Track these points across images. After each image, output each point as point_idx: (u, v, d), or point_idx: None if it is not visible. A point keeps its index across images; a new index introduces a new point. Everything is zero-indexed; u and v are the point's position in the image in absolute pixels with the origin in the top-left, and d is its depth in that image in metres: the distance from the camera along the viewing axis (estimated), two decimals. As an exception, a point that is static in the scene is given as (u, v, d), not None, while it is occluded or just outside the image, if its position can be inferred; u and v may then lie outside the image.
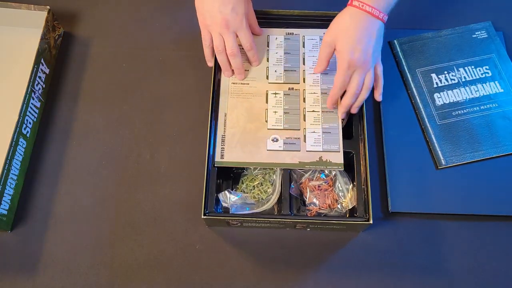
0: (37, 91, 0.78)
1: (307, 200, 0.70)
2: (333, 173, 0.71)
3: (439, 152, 0.75)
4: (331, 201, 0.70)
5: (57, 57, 0.85)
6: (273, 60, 0.77)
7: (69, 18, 0.89)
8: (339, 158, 0.70)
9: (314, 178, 0.71)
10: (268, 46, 0.79)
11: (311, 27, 0.80)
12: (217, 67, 0.76)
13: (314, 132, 0.72)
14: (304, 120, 0.73)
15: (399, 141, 0.77)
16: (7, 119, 0.73)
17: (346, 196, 0.70)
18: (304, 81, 0.76)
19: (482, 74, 0.79)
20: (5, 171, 0.70)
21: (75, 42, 0.87)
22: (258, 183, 0.71)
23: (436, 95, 0.78)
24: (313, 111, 0.74)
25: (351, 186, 0.70)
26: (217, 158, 0.70)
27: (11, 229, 0.73)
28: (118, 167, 0.77)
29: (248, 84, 0.75)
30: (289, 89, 0.75)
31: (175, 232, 0.72)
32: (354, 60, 0.65)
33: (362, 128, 0.72)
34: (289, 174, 0.70)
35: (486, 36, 0.83)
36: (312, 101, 0.74)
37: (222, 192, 0.70)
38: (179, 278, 0.70)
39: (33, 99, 0.77)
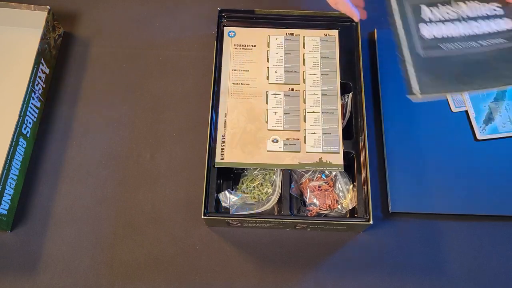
0: (37, 91, 0.78)
1: (307, 200, 0.70)
2: (333, 174, 0.71)
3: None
4: (331, 202, 0.70)
5: (57, 57, 0.85)
6: (274, 61, 0.77)
7: (69, 18, 0.89)
8: (339, 160, 0.70)
9: (314, 179, 0.71)
10: (268, 46, 0.79)
11: (311, 27, 0.81)
12: (218, 68, 0.76)
13: (314, 133, 0.72)
14: (304, 121, 0.73)
15: (399, 141, 0.77)
16: (7, 119, 0.73)
17: (346, 197, 0.70)
18: (304, 82, 0.76)
19: (488, 10, 0.67)
20: (5, 171, 0.70)
21: (75, 42, 0.87)
22: (258, 184, 0.71)
23: (422, 25, 0.66)
24: (313, 112, 0.74)
25: (351, 186, 0.70)
26: (217, 159, 0.70)
27: (11, 229, 0.73)
28: (118, 167, 0.77)
29: (248, 84, 0.76)
30: (289, 90, 0.75)
31: (175, 232, 0.72)
32: None
33: (362, 128, 0.72)
34: (289, 174, 0.70)
35: None
36: (312, 102, 0.74)
37: (222, 193, 0.70)
38: (179, 278, 0.70)
39: (33, 99, 0.77)
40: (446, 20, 0.67)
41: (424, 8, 0.67)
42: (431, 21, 0.66)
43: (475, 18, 0.67)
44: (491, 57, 0.64)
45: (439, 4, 0.67)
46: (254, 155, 0.70)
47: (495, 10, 0.67)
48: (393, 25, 0.67)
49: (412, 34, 0.66)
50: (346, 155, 0.71)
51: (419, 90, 0.61)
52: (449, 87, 0.63)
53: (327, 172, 0.71)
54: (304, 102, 0.75)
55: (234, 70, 0.77)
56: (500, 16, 0.67)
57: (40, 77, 0.79)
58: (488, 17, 0.67)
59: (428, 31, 0.66)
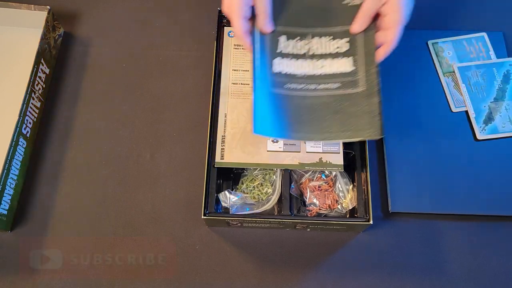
0: (37, 91, 0.78)
1: (307, 200, 0.70)
2: (333, 174, 0.71)
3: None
4: (331, 202, 0.70)
5: (57, 57, 0.85)
6: (273, 60, 0.78)
7: (69, 18, 0.89)
8: (339, 160, 0.70)
9: (314, 179, 0.71)
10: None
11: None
12: (218, 68, 0.76)
13: (314, 132, 0.72)
14: (304, 121, 0.73)
15: (399, 141, 0.77)
16: (7, 119, 0.73)
17: (346, 197, 0.70)
18: (304, 82, 0.76)
19: (337, 48, 0.67)
20: (5, 171, 0.70)
21: (75, 42, 0.87)
22: (258, 184, 0.71)
23: (276, 60, 0.67)
24: (313, 111, 0.74)
25: (351, 186, 0.70)
26: (217, 159, 0.70)
27: (11, 229, 0.73)
28: (118, 167, 0.77)
29: (248, 84, 0.75)
30: (289, 89, 0.75)
31: (175, 232, 0.72)
32: None
33: (362, 128, 0.72)
34: (289, 174, 0.70)
35: (359, 3, 0.66)
36: (312, 101, 0.74)
37: (222, 192, 0.70)
38: (179, 278, 0.70)
39: (33, 99, 0.77)
40: (297, 56, 0.66)
41: (282, 41, 0.67)
42: (285, 56, 0.66)
43: (322, 56, 0.66)
44: (322, 104, 0.64)
45: (296, 38, 0.67)
46: (254, 155, 0.70)
47: (342, 46, 0.67)
48: (252, 56, 0.66)
49: (265, 67, 0.66)
50: (346, 155, 0.71)
51: (256, 129, 0.62)
52: (281, 131, 0.63)
53: (327, 172, 0.71)
54: (304, 102, 0.75)
55: (234, 70, 0.76)
56: (345, 54, 0.66)
57: (40, 77, 0.79)
58: (334, 55, 0.66)
59: (279, 67, 0.66)
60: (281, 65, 0.66)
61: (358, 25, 0.65)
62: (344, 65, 0.66)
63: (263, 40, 0.67)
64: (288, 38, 0.68)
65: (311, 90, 0.65)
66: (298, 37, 0.68)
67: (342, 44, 0.67)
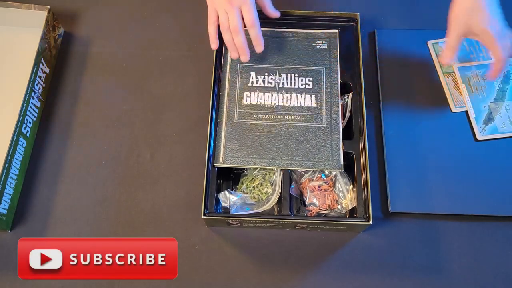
0: (37, 91, 0.78)
1: (307, 200, 0.70)
2: (333, 174, 0.71)
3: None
4: (331, 202, 0.70)
5: (57, 57, 0.85)
6: (273, 61, 0.78)
7: (69, 18, 0.89)
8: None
9: (314, 179, 0.71)
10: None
11: (311, 27, 0.80)
12: (218, 68, 0.76)
13: (314, 132, 0.73)
14: (304, 121, 0.74)
15: (399, 141, 0.77)
16: (7, 119, 0.73)
17: (346, 197, 0.70)
18: (303, 82, 0.77)
19: (302, 85, 0.74)
20: (5, 171, 0.70)
21: (75, 42, 0.87)
22: (258, 184, 0.71)
23: (246, 93, 0.74)
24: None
25: (351, 186, 0.70)
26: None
27: (11, 229, 0.73)
28: (118, 167, 0.77)
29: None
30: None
31: (175, 232, 0.72)
32: (499, 32, 0.68)
33: (362, 128, 0.72)
34: (289, 175, 0.70)
35: (326, 47, 0.77)
36: (312, 101, 0.75)
37: (222, 192, 0.70)
38: (179, 278, 0.69)
39: (33, 98, 0.77)
40: (266, 89, 0.74)
41: (252, 76, 0.75)
42: (255, 89, 0.73)
43: (290, 90, 0.73)
44: (287, 133, 0.71)
45: (265, 74, 0.75)
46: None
47: (308, 84, 0.74)
48: (222, 89, 0.74)
49: (234, 100, 0.73)
50: (346, 155, 0.71)
51: (222, 159, 0.69)
52: (247, 159, 0.70)
53: (327, 172, 0.71)
54: (304, 102, 0.75)
55: (234, 70, 0.77)
56: (310, 91, 0.73)
57: (40, 77, 0.79)
58: (300, 90, 0.73)
59: (248, 99, 0.73)
60: (250, 98, 0.73)
61: (446, 57, 0.73)
62: (309, 101, 0.73)
63: (235, 74, 0.75)
64: (257, 74, 0.75)
65: (278, 120, 0.71)
66: (267, 73, 0.75)
67: (307, 82, 0.74)
